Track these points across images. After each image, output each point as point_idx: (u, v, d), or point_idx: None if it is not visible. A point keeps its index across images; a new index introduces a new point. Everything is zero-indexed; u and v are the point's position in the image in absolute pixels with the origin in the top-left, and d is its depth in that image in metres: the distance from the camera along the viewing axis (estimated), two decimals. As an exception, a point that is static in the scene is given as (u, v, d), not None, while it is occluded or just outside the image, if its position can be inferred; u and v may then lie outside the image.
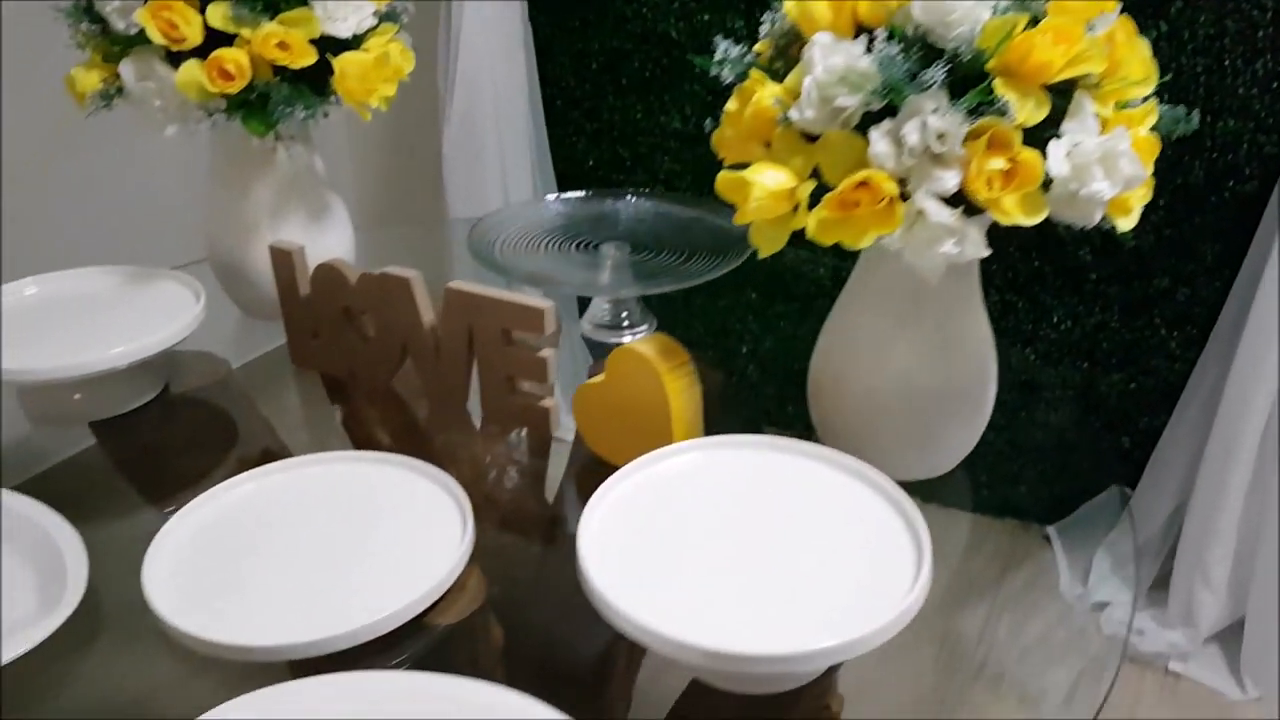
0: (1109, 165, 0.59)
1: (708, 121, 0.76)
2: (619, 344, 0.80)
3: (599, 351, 0.96)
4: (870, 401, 0.75)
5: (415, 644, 0.63)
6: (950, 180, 0.59)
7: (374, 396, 0.95)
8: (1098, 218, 0.61)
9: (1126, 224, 0.63)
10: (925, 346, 0.72)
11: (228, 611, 0.61)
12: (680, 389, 0.76)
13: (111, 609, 0.68)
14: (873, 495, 0.67)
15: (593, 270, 0.98)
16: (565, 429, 0.86)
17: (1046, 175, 0.59)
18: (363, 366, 0.94)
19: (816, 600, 0.58)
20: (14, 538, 0.70)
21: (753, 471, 0.70)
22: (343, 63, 0.88)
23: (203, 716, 0.50)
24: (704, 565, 0.62)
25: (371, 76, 0.90)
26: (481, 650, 0.69)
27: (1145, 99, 0.63)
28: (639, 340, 0.76)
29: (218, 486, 0.72)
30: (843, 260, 0.77)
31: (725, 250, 0.98)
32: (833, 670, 0.62)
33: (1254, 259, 1.39)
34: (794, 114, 0.64)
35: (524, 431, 0.88)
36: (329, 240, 1.02)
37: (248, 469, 0.74)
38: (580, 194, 1.11)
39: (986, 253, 0.61)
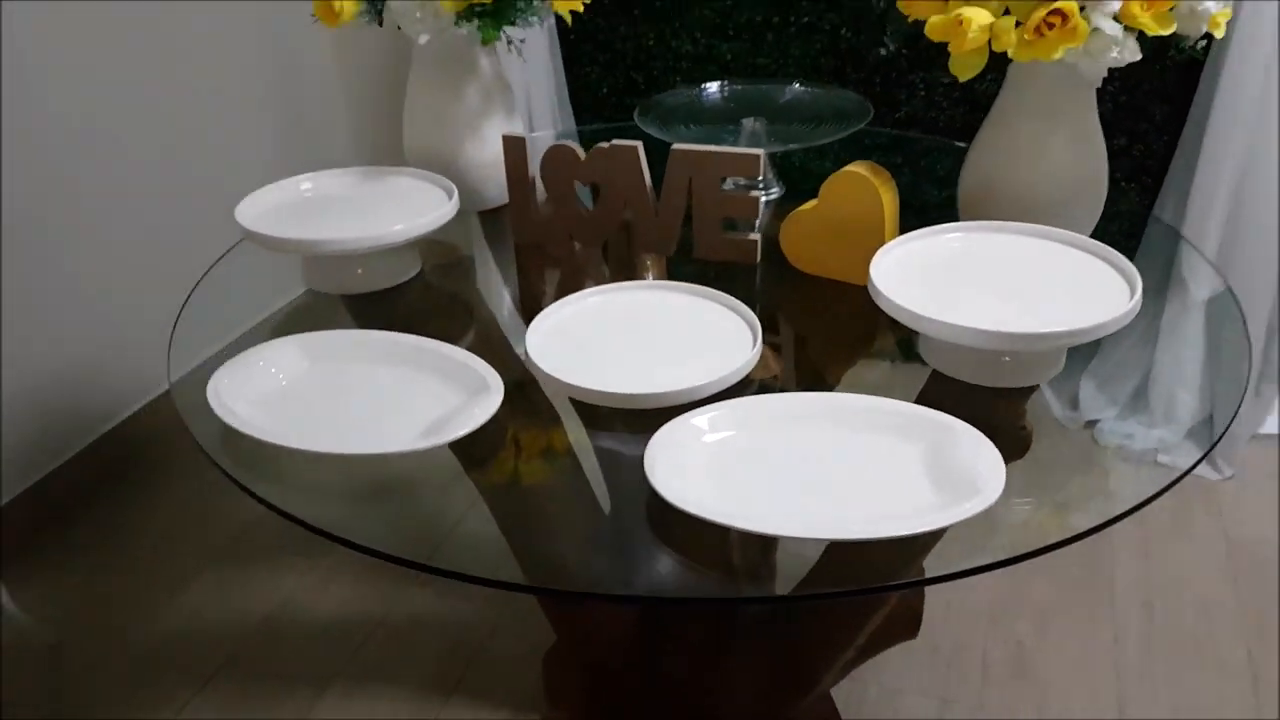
0: (1217, -14, 0.86)
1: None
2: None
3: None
4: (1031, 193, 1.01)
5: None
6: (1115, 4, 0.86)
7: (591, 257, 1.15)
8: (1204, 30, 0.89)
9: (1219, 33, 0.90)
10: (1075, 142, 0.99)
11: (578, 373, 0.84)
12: (890, 199, 1.00)
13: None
14: (1087, 256, 0.93)
15: (739, 138, 1.22)
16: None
17: (1177, -3, 0.86)
18: (584, 231, 1.14)
19: (1067, 309, 0.84)
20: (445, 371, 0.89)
21: (1000, 246, 0.96)
22: (555, -26, 1.08)
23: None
24: (979, 297, 0.87)
25: (573, -18, 1.10)
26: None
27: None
28: (854, 165, 1.00)
29: (564, 299, 0.93)
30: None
31: (843, 119, 1.22)
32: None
33: (1196, 114, 1.71)
34: (990, -29, 0.89)
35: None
36: (500, 125, 1.21)
37: (553, 300, 0.94)
38: (715, 84, 1.33)
39: (1139, 57, 0.88)
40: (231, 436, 0.82)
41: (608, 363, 0.87)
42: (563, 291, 0.98)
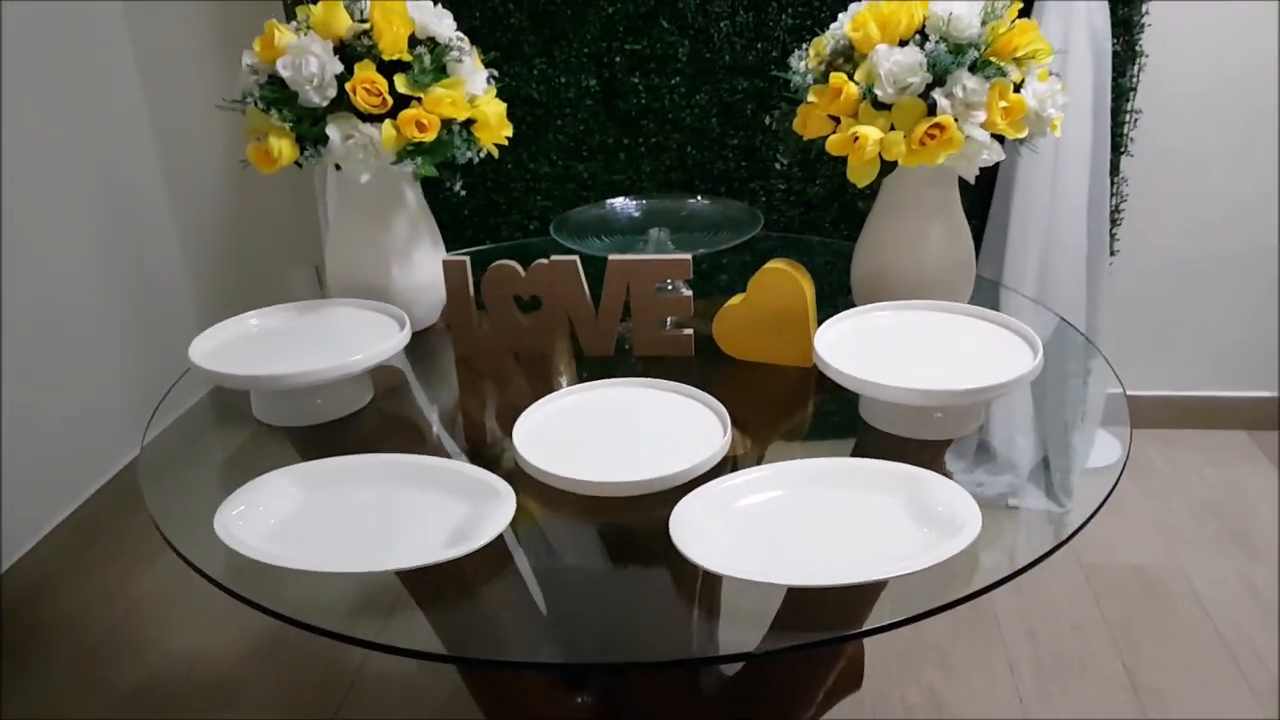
0: (1052, 100, 1.07)
1: (767, 117, 1.17)
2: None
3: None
4: (912, 282, 1.18)
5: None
6: (981, 116, 1.04)
7: (536, 361, 1.23)
8: (1047, 132, 1.09)
9: (1057, 133, 1.11)
10: (949, 231, 1.17)
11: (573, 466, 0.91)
12: (809, 289, 1.14)
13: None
14: (989, 325, 1.09)
15: (645, 246, 1.34)
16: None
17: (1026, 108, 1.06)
18: (526, 341, 1.21)
19: (985, 368, 1.00)
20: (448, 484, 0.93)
21: (921, 321, 1.12)
22: (483, 113, 1.17)
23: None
24: (911, 363, 1.01)
25: (501, 124, 1.19)
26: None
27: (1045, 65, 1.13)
28: (775, 261, 1.14)
29: (541, 400, 1.00)
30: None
31: (738, 226, 1.37)
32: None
33: (1001, 190, 1.99)
34: (877, 92, 1.06)
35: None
36: (437, 256, 1.28)
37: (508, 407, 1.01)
38: (624, 199, 1.46)
39: (1003, 156, 1.07)
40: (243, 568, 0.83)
41: (597, 456, 0.95)
42: (514, 399, 1.04)
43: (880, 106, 1.08)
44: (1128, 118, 1.94)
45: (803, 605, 0.83)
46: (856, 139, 1.06)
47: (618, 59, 2.01)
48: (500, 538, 0.85)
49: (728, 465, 0.96)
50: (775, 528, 0.86)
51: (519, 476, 0.93)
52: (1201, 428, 2.34)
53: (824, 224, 2.07)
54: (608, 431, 1.00)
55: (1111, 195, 1.97)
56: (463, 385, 1.24)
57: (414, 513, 0.90)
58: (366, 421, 1.14)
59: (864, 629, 0.81)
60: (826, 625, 0.83)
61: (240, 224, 2.46)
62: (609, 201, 1.46)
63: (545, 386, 1.19)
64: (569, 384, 1.09)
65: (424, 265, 1.27)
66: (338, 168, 1.14)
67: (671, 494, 0.88)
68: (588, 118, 2.07)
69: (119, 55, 2.24)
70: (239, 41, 2.00)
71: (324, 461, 0.95)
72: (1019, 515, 1.03)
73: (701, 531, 0.83)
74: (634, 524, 0.94)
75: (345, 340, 1.13)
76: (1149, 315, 2.25)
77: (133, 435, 2.29)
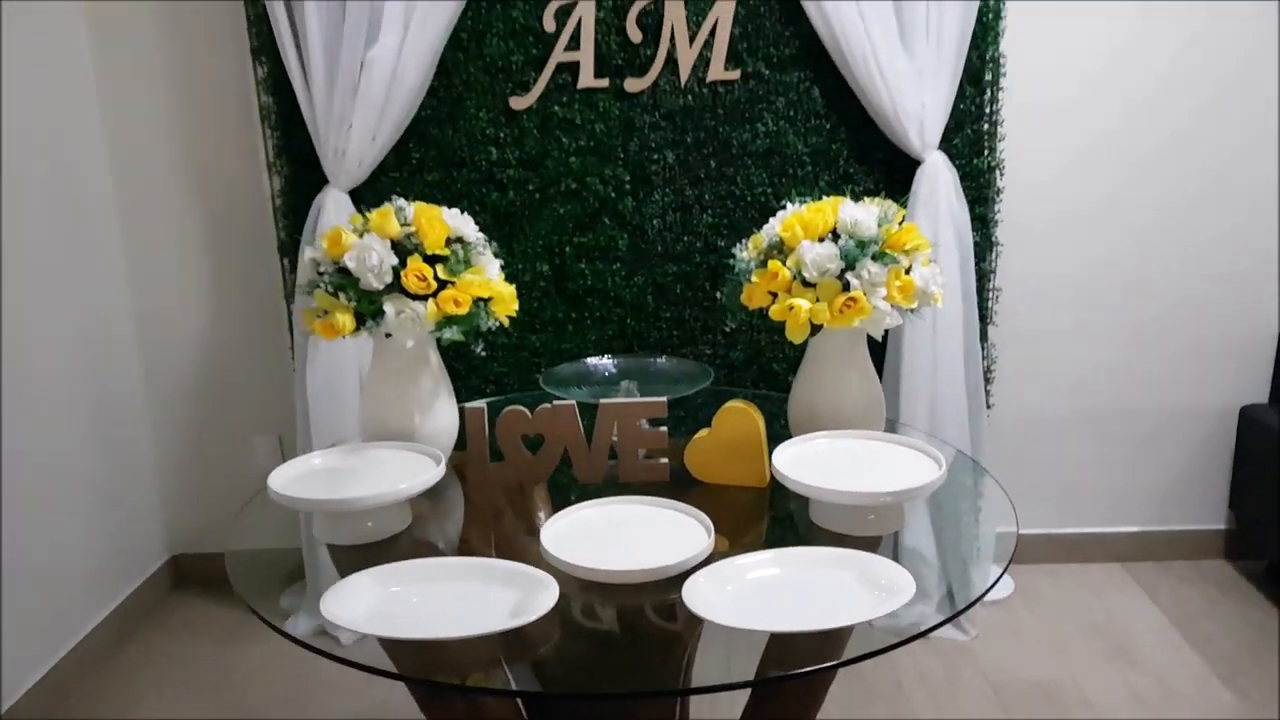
0: (934, 280, 1.45)
1: (717, 293, 1.52)
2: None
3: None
4: (838, 416, 1.51)
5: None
6: (883, 292, 1.41)
7: (538, 488, 1.49)
8: (931, 303, 1.46)
9: (939, 304, 1.48)
10: (863, 378, 1.52)
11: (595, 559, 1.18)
12: (761, 423, 1.45)
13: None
14: (904, 448, 1.42)
15: (618, 394, 1.66)
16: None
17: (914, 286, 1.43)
18: (531, 472, 1.48)
19: (906, 478, 1.32)
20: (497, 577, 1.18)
21: (852, 445, 1.44)
22: (498, 293, 1.48)
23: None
24: (846, 474, 1.32)
25: (512, 300, 1.51)
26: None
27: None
28: (733, 401, 1.45)
29: (562, 511, 1.27)
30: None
31: (692, 379, 1.70)
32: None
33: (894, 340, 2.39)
34: (805, 274, 1.42)
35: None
36: (452, 406, 1.55)
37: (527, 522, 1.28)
38: (598, 358, 1.77)
39: (901, 322, 1.43)
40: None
41: (612, 552, 1.21)
42: (527, 516, 1.31)
43: (807, 285, 1.43)
44: (990, 294, 2.39)
45: (785, 648, 1.09)
46: (792, 309, 1.41)
47: (567, 249, 2.38)
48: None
49: (713, 558, 1.24)
50: (763, 594, 1.13)
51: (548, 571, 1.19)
52: (1081, 561, 2.70)
53: (744, 382, 2.42)
54: (617, 535, 1.26)
55: (983, 358, 2.38)
56: (482, 508, 1.49)
57: (474, 597, 1.14)
58: (409, 539, 1.37)
59: (842, 659, 1.09)
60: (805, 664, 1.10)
61: (210, 397, 2.66)
62: (587, 360, 1.77)
63: (549, 506, 1.46)
64: (571, 503, 1.36)
65: (443, 414, 1.54)
66: (387, 335, 1.42)
67: (669, 581, 1.15)
68: (540, 296, 2.41)
69: (107, 239, 2.50)
70: (222, 231, 2.30)
71: (401, 563, 1.19)
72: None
73: (706, 599, 1.10)
74: (643, 602, 1.20)
75: (391, 473, 1.38)
76: (1026, 460, 2.64)
77: (97, 601, 2.39)
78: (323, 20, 2.16)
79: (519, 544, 1.38)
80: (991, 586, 1.29)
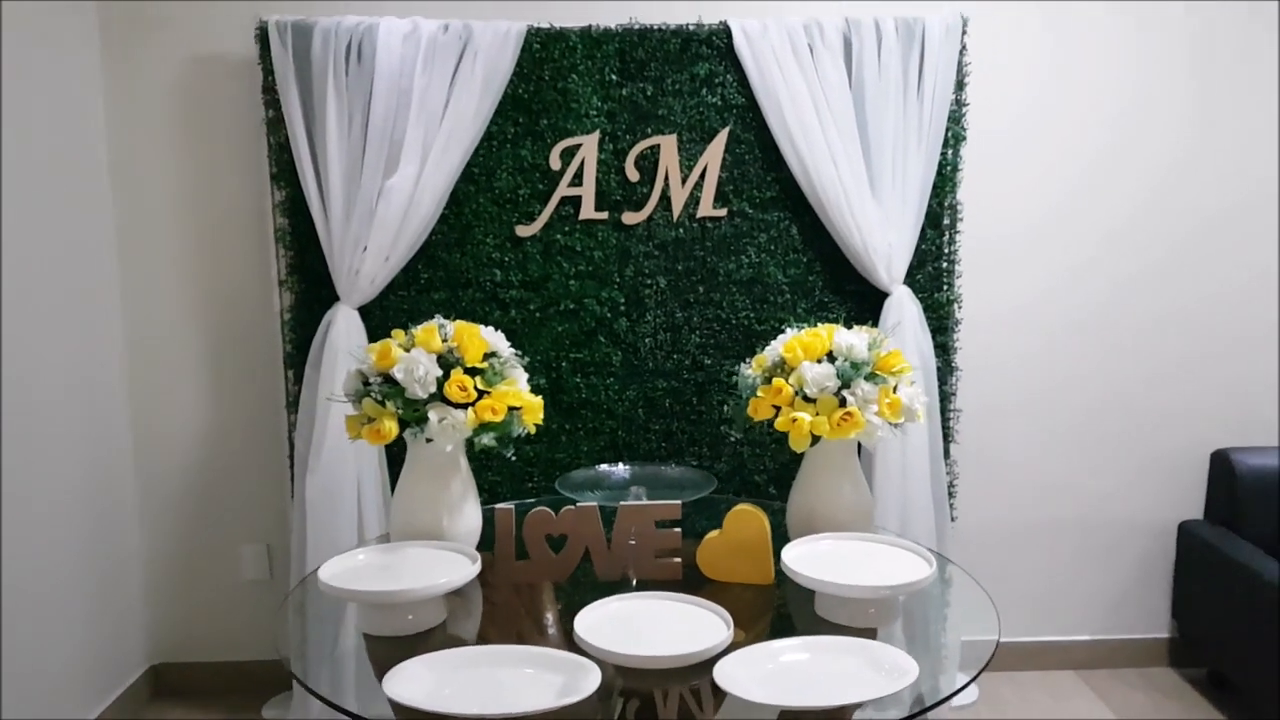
0: (917, 398, 1.64)
1: (725, 406, 1.69)
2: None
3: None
4: (833, 519, 1.67)
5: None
6: (875, 408, 1.59)
7: (556, 586, 1.61)
8: (915, 419, 1.65)
9: (922, 420, 1.67)
10: (854, 485, 1.68)
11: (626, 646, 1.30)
12: (767, 524, 1.60)
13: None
14: (899, 550, 1.57)
15: (628, 499, 1.79)
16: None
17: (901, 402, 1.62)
18: (554, 570, 1.60)
19: (901, 575, 1.47)
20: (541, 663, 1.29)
21: (850, 546, 1.58)
22: (528, 403, 1.63)
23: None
24: (849, 570, 1.47)
25: (539, 409, 1.66)
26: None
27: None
28: (741, 504, 1.60)
29: (591, 605, 1.39)
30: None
31: (696, 486, 1.85)
32: None
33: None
34: (806, 391, 1.59)
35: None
36: (476, 506, 1.68)
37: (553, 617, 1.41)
38: (607, 465, 1.91)
39: (894, 435, 1.61)
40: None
41: (640, 639, 1.33)
42: (551, 611, 1.43)
43: (807, 400, 1.61)
44: (952, 415, 2.59)
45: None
46: (795, 421, 1.58)
47: (564, 364, 2.54)
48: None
49: (732, 646, 1.37)
50: (785, 675, 1.26)
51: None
52: (1040, 669, 2.84)
53: (729, 492, 2.57)
54: (642, 625, 1.39)
55: (946, 473, 2.57)
56: (510, 603, 1.60)
57: (524, 680, 1.25)
58: (444, 633, 1.47)
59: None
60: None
61: (202, 506, 2.71)
62: (600, 466, 1.91)
63: (575, 602, 1.57)
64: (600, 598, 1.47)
65: (470, 515, 1.66)
66: (428, 440, 1.55)
67: (695, 668, 1.27)
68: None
69: (110, 349, 2.60)
70: (226, 344, 2.39)
71: (454, 650, 1.30)
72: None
73: (734, 678, 1.22)
74: (671, 685, 1.32)
75: (429, 571, 1.49)
76: (987, 569, 2.79)
77: (77, 711, 2.39)
78: (343, 150, 2.34)
79: (550, 635, 1.49)
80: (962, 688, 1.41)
